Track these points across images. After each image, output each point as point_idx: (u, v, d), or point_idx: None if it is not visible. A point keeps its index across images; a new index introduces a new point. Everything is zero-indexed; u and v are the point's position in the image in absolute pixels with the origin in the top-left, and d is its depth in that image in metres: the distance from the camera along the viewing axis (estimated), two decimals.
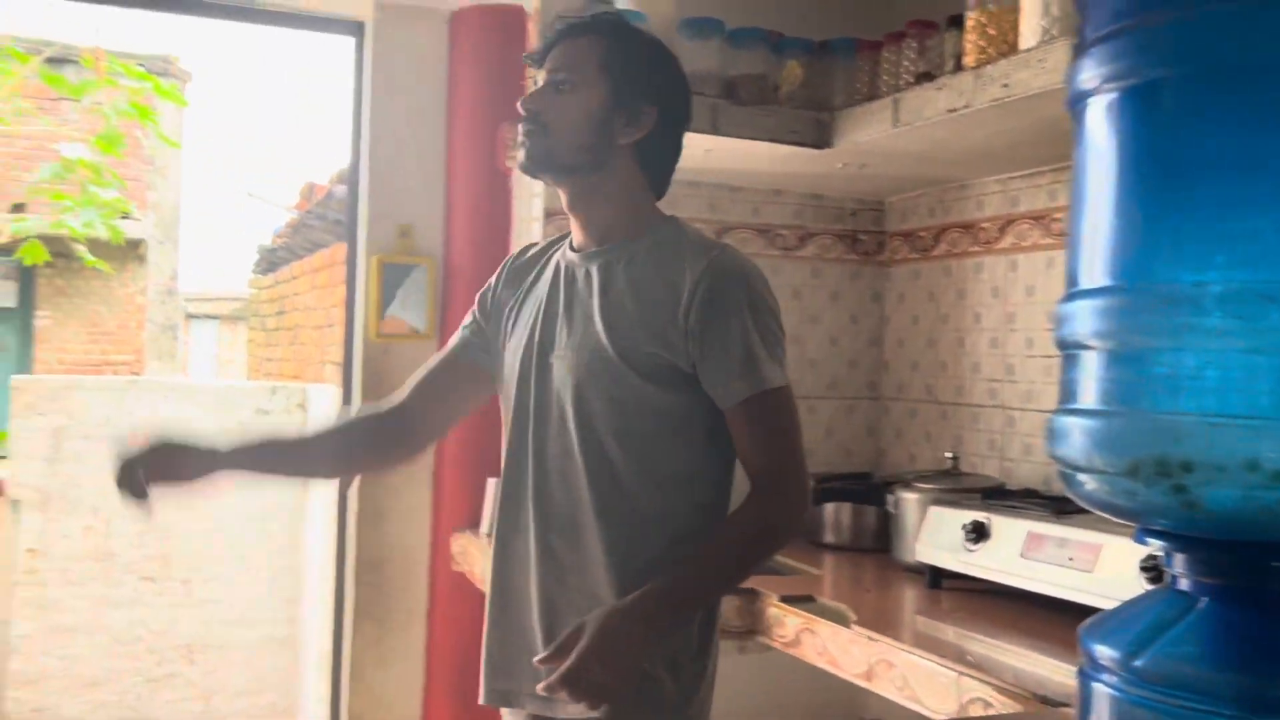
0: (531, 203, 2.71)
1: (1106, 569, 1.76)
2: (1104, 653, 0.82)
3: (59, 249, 9.71)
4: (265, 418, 4.18)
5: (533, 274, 1.64)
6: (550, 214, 2.61)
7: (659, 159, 1.57)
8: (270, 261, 7.19)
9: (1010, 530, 2.01)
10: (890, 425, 2.95)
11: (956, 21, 2.11)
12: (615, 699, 1.37)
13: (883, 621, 1.94)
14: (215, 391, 4.41)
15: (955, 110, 2.04)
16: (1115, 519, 0.83)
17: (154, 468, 1.47)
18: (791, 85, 2.40)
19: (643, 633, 1.38)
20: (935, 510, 2.21)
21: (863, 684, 1.90)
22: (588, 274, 1.54)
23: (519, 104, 1.54)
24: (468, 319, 1.70)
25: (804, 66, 2.41)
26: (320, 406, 3.99)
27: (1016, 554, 1.97)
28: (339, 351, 4.72)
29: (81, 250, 8.55)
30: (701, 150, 2.38)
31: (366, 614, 2.83)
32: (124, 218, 8.96)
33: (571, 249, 1.60)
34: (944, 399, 2.74)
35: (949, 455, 2.48)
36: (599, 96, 1.50)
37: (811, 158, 2.45)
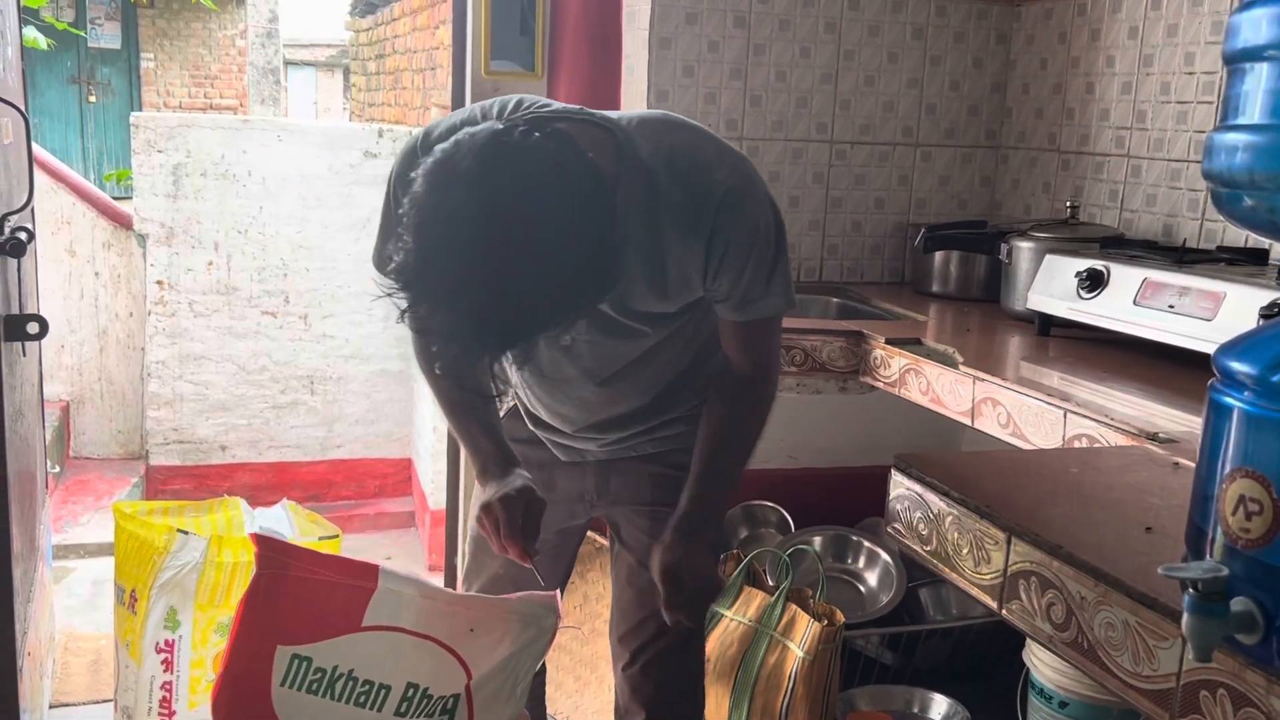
0: None
1: (1227, 316, 1.74)
2: (1239, 369, 0.83)
3: None
4: (373, 160, 4.23)
5: None
6: None
7: None
8: (368, 2, 7.07)
9: (1126, 278, 1.99)
10: (1008, 175, 2.87)
11: None
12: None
13: (988, 364, 1.97)
14: (324, 133, 4.44)
15: None
16: (1270, 238, 0.82)
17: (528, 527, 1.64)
18: None
19: (710, 546, 1.62)
20: (1050, 258, 2.19)
21: (965, 421, 1.95)
22: None
23: None
24: None
25: None
26: None
27: (1130, 302, 1.96)
28: (442, 95, 4.70)
29: None
30: None
31: None
32: None
33: None
34: (1067, 148, 2.64)
35: (1068, 205, 2.42)
36: None
37: None
